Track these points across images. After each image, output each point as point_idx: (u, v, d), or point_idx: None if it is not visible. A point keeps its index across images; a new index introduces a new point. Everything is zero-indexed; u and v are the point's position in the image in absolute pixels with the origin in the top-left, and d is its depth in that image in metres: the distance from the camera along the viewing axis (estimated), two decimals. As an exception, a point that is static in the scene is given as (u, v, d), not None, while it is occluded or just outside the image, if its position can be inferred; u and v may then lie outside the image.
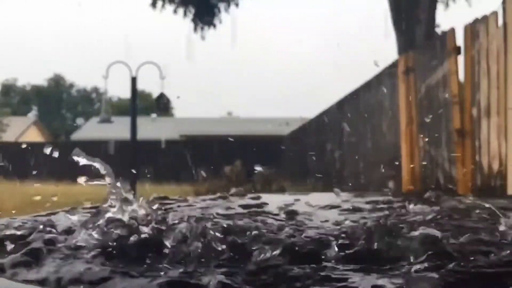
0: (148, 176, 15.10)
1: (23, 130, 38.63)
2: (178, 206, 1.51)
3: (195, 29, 15.95)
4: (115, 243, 0.87)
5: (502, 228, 0.99)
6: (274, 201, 1.58)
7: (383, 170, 8.57)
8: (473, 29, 5.59)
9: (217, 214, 1.28)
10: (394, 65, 8.04)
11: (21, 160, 21.61)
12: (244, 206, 1.49)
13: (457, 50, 5.96)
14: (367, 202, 1.59)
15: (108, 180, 1.02)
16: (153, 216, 1.05)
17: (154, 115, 27.39)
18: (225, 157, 15.77)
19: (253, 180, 13.03)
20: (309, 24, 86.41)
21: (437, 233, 0.86)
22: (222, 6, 16.06)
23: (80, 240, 0.89)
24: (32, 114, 50.87)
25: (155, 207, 1.16)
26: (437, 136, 6.49)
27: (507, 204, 1.63)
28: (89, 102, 59.69)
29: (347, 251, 0.83)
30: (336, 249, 0.84)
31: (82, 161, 1.03)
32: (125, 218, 0.97)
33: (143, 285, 0.69)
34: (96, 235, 0.90)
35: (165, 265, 0.79)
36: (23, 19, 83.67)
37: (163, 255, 0.83)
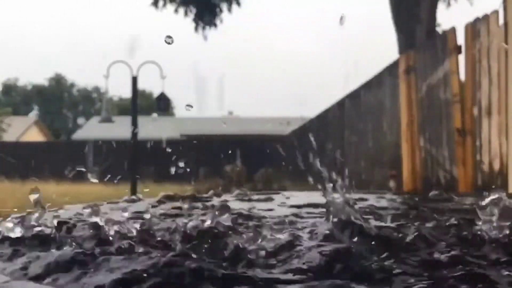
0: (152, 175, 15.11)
1: (24, 130, 38.66)
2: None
3: (196, 29, 15.94)
4: None
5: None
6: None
7: (384, 169, 8.57)
8: (474, 28, 5.59)
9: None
10: (395, 64, 8.04)
11: (22, 159, 21.65)
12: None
13: (458, 49, 5.96)
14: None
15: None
16: None
17: (154, 115, 27.40)
18: (225, 156, 15.76)
19: (254, 180, 13.03)
20: (310, 24, 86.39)
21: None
22: (223, 5, 16.05)
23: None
24: (33, 114, 50.90)
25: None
26: (438, 135, 6.49)
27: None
28: (90, 102, 59.69)
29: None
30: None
31: None
32: None
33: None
34: None
35: None
36: (24, 18, 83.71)
37: None
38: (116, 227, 1.03)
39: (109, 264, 0.77)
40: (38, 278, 0.76)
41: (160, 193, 1.87)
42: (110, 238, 0.99)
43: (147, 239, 0.96)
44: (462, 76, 5.93)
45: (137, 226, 1.04)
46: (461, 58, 5.91)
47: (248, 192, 1.98)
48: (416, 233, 0.94)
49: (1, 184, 14.13)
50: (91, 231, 1.03)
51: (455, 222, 1.07)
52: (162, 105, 14.84)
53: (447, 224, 1.07)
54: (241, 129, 27.19)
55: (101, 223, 1.04)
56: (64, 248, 0.92)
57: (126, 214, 1.13)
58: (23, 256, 0.87)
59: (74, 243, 0.96)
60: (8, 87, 57.80)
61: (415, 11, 10.27)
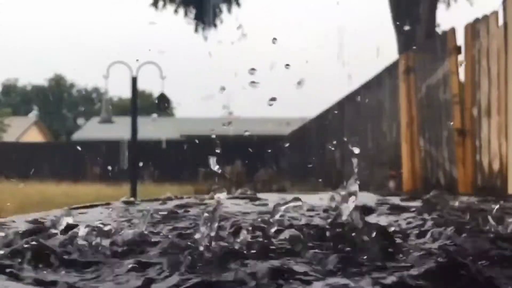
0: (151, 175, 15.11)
1: (24, 130, 38.65)
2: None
3: (196, 29, 15.96)
4: None
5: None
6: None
7: (384, 169, 8.57)
8: (473, 29, 5.59)
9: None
10: (394, 65, 8.04)
11: (22, 160, 21.66)
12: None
13: (458, 49, 5.97)
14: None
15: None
16: None
17: (154, 115, 27.37)
18: (225, 157, 15.72)
19: (253, 180, 13.03)
20: (310, 24, 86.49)
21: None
22: (223, 6, 16.06)
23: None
24: (33, 114, 50.87)
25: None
26: (437, 136, 6.49)
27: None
28: (89, 102, 59.65)
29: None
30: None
31: None
32: None
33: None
34: None
35: None
36: (24, 19, 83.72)
37: None
38: None
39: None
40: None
41: (167, 193, 1.86)
42: None
43: None
44: (462, 77, 5.94)
45: None
46: (461, 58, 5.92)
47: (249, 192, 1.95)
48: None
49: (1, 184, 14.11)
50: None
51: None
52: (162, 105, 14.83)
53: None
54: (241, 130, 27.14)
55: None
56: None
57: None
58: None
59: None
60: (8, 87, 57.78)
61: (415, 12, 10.29)
